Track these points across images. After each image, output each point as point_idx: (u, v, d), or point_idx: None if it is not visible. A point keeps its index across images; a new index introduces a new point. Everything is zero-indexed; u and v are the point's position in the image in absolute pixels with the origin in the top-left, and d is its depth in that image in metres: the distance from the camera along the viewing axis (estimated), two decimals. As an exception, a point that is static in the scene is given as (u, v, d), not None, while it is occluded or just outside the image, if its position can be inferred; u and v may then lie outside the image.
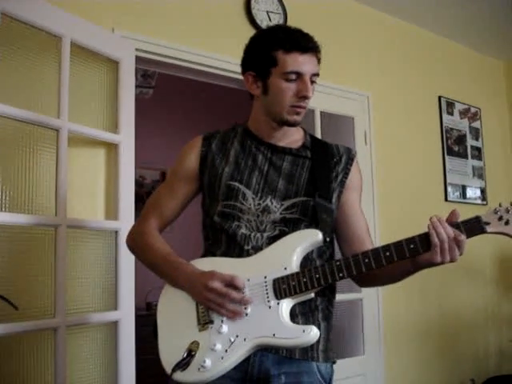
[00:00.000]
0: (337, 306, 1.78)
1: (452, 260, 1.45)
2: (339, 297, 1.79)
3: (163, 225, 1.80)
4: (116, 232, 2.68)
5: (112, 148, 2.77)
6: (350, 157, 1.75)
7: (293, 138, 1.75)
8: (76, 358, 2.51)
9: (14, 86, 2.42)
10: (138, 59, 2.94)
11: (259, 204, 1.65)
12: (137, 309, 2.84)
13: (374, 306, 3.78)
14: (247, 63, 1.71)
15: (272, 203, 1.64)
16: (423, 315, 4.13)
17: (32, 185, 2.44)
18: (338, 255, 1.71)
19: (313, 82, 1.63)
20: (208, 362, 1.50)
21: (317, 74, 1.64)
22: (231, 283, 1.51)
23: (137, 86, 3.07)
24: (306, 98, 1.62)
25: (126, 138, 2.78)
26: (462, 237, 1.43)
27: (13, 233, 2.35)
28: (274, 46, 1.60)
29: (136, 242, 1.80)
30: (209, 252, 1.72)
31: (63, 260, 2.41)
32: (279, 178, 1.68)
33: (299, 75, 1.59)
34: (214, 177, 1.71)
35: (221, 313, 1.53)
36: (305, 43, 1.60)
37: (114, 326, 2.64)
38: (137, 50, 2.91)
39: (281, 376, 1.57)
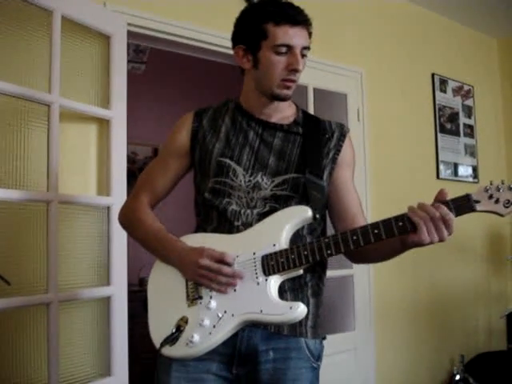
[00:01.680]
0: (328, 282, 1.78)
1: (441, 240, 1.43)
2: (330, 273, 1.80)
3: (155, 201, 1.81)
4: (108, 208, 2.68)
5: (104, 123, 2.76)
6: (343, 133, 1.74)
7: (284, 113, 1.74)
8: (69, 334, 2.52)
9: (4, 61, 2.40)
10: (130, 34, 2.91)
11: (250, 180, 1.64)
12: (129, 284, 2.85)
13: (364, 282, 3.81)
14: (237, 37, 1.69)
15: (263, 180, 1.64)
16: (414, 291, 4.17)
17: (23, 160, 2.43)
18: (329, 232, 1.72)
19: (303, 56, 1.62)
20: (196, 337, 1.51)
21: (307, 48, 1.62)
22: (221, 259, 1.52)
23: (129, 61, 3.04)
24: (296, 71, 1.60)
25: (118, 114, 2.76)
26: (450, 215, 1.41)
27: (4, 208, 2.35)
28: (264, 19, 1.58)
29: (127, 218, 1.80)
30: (200, 228, 1.73)
31: (55, 236, 2.41)
32: (270, 154, 1.67)
33: (289, 48, 1.58)
34: (205, 153, 1.70)
35: (212, 287, 1.54)
36: (295, 16, 1.58)
37: (107, 301, 2.66)
38: (129, 24, 2.88)
39: (269, 352, 1.58)
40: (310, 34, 1.63)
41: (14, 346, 2.36)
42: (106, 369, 2.63)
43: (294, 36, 1.57)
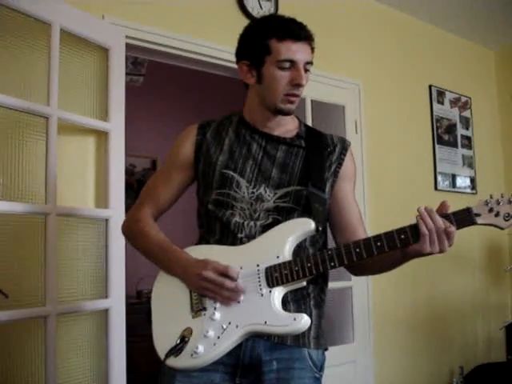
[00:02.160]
0: (327, 293, 1.79)
1: (441, 251, 1.46)
2: (329, 285, 1.80)
3: (158, 212, 1.82)
4: (106, 220, 2.68)
5: (102, 136, 2.76)
6: (344, 147, 1.77)
7: (287, 127, 1.76)
8: (66, 346, 2.51)
9: (2, 74, 2.40)
10: (129, 46, 2.92)
11: (253, 192, 1.66)
12: (127, 297, 2.84)
13: (363, 293, 3.81)
14: (241, 52, 1.71)
15: (265, 192, 1.66)
16: (412, 303, 4.16)
17: (21, 173, 2.42)
18: (331, 244, 1.73)
19: (306, 71, 1.64)
20: (201, 349, 1.52)
21: (310, 63, 1.65)
22: (225, 273, 1.53)
23: (127, 74, 3.05)
24: (299, 85, 1.63)
25: (116, 126, 2.76)
26: (452, 228, 1.44)
27: (2, 221, 2.34)
28: (268, 35, 1.61)
29: (131, 230, 1.81)
30: (203, 240, 1.74)
31: (53, 248, 2.41)
32: (273, 166, 1.69)
33: (293, 63, 1.60)
34: (209, 165, 1.72)
35: (216, 300, 1.55)
36: (298, 31, 1.61)
37: (105, 314, 2.64)
38: (127, 37, 2.89)
39: (272, 362, 1.60)
40: (312, 50, 1.66)
41: (11, 359, 2.35)
42: (103, 382, 2.62)
43: (297, 51, 1.60)
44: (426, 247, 1.45)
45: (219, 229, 1.68)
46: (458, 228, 1.46)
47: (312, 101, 3.66)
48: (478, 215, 1.45)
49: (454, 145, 4.67)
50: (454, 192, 4.58)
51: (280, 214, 1.64)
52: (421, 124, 4.48)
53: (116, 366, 2.64)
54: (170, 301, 1.65)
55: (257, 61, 1.65)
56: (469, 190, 4.72)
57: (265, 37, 1.61)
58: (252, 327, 1.51)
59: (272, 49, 1.60)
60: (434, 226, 1.44)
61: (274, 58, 1.60)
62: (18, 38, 2.46)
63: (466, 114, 4.83)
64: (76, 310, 2.55)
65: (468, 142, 4.80)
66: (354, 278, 3.64)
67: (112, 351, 2.63)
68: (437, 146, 4.51)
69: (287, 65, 1.60)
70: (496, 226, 1.47)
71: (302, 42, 1.61)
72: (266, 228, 1.62)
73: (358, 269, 1.74)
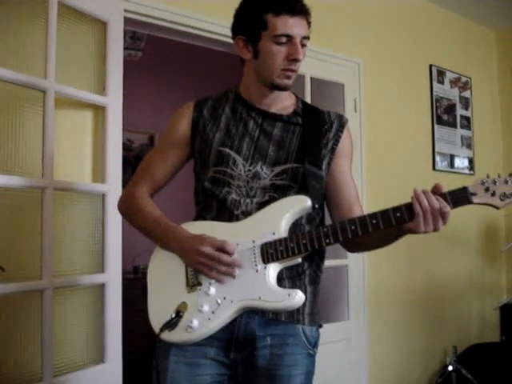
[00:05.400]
0: (323, 270, 1.80)
1: (435, 230, 1.47)
2: (325, 262, 1.81)
3: (154, 189, 1.82)
4: (103, 195, 2.67)
5: (99, 110, 2.75)
6: (342, 124, 1.76)
7: (284, 104, 1.75)
8: (63, 320, 2.52)
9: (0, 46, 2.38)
10: (127, 20, 2.89)
11: (249, 170, 1.66)
12: (124, 272, 2.85)
13: (359, 271, 3.82)
14: (237, 27, 1.70)
15: (262, 169, 1.66)
16: (408, 282, 4.18)
17: (18, 146, 2.41)
18: (328, 222, 1.73)
19: (303, 46, 1.63)
20: (195, 323, 1.54)
21: (307, 37, 1.63)
22: (221, 248, 1.54)
23: (125, 48, 3.02)
24: (296, 60, 1.62)
25: (114, 101, 2.74)
26: (448, 208, 1.45)
27: (-1, 194, 2.34)
28: (264, 9, 1.59)
29: (127, 207, 1.82)
30: (200, 217, 1.74)
31: (50, 222, 2.41)
32: (270, 144, 1.68)
33: (289, 38, 1.59)
34: (205, 143, 1.71)
35: (211, 275, 1.56)
36: (294, 6, 1.59)
37: (101, 288, 2.65)
38: (125, 10, 2.85)
39: (266, 337, 1.61)
40: (309, 24, 1.64)
41: (7, 333, 2.35)
42: (99, 356, 2.63)
43: (293, 26, 1.59)
44: (421, 226, 1.46)
45: (216, 206, 1.68)
46: (454, 207, 1.46)
47: (312, 78, 3.64)
48: (474, 194, 1.46)
49: (453, 125, 4.65)
50: (452, 172, 4.58)
51: (276, 192, 1.64)
52: (420, 104, 4.46)
53: (112, 341, 2.65)
54: (165, 276, 1.66)
55: (253, 36, 1.63)
56: (467, 171, 4.72)
57: (261, 11, 1.60)
58: (246, 302, 1.53)
59: (268, 23, 1.59)
60: (429, 205, 1.44)
61: (271, 33, 1.59)
62: (15, 10, 2.43)
63: (466, 94, 4.81)
64: (72, 284, 2.56)
65: (467, 123, 4.79)
66: (349, 256, 3.66)
67: (108, 326, 2.64)
68: (436, 125, 4.50)
69: (284, 40, 1.59)
70: (492, 205, 1.47)
71: (299, 16, 1.60)
72: (262, 205, 1.62)
73: (353, 245, 1.74)
